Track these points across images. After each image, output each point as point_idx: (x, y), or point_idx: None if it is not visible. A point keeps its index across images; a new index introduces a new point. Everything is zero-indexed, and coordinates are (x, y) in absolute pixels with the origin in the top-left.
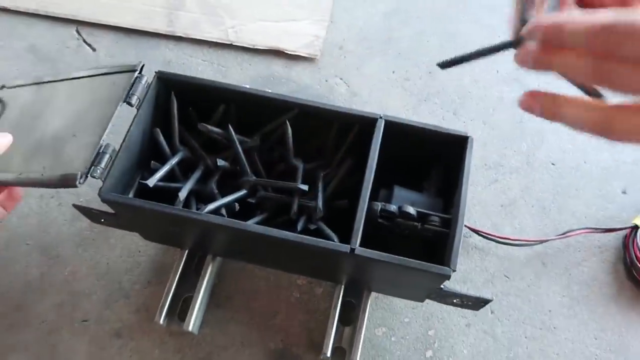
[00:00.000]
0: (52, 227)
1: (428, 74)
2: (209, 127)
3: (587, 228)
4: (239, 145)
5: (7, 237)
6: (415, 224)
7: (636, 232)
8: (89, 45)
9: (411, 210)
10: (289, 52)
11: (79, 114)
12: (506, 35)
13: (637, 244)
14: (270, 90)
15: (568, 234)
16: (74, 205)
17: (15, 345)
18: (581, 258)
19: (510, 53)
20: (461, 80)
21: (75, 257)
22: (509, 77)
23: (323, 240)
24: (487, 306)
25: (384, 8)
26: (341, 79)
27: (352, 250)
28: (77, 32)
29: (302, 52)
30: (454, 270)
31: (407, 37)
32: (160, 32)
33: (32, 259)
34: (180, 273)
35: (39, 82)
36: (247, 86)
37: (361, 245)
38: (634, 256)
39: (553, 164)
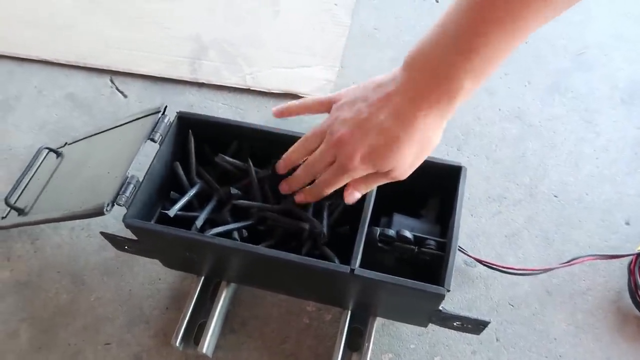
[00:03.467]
0: (81, 256)
1: None
2: (227, 157)
3: (592, 255)
4: (254, 174)
5: (40, 265)
6: (413, 247)
7: None
8: (121, 92)
9: (408, 234)
10: (302, 95)
11: (114, 155)
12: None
13: None
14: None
15: (573, 262)
16: (101, 233)
17: None
18: (586, 287)
19: (514, 93)
20: (465, 118)
21: (101, 284)
22: (511, 114)
23: (324, 261)
24: (493, 334)
25: (391, 54)
26: None
27: (352, 270)
28: (111, 81)
29: (314, 95)
30: (449, 290)
31: None
32: (185, 79)
33: (61, 286)
34: (197, 299)
35: (89, 135)
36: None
37: None
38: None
39: (555, 196)
